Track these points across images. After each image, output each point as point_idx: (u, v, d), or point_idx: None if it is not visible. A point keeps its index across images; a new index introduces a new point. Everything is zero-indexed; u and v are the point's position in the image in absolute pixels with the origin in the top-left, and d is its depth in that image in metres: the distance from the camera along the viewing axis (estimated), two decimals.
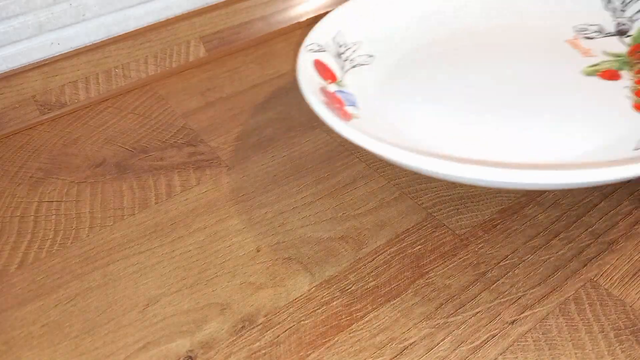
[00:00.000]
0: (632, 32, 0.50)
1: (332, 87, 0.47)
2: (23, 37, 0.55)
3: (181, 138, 0.53)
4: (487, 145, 0.43)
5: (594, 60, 0.50)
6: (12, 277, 0.41)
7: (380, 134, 0.43)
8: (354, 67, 0.51)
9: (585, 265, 0.41)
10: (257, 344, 0.37)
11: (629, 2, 0.51)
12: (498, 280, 0.40)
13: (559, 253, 0.42)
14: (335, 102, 0.45)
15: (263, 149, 0.51)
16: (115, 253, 0.43)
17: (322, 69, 0.48)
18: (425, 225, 0.43)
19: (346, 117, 0.44)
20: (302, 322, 0.38)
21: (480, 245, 0.42)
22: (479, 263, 0.41)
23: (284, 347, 0.37)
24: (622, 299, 0.39)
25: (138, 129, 0.54)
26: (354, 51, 0.52)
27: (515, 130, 0.44)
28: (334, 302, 0.39)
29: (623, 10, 0.51)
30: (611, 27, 0.51)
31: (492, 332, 0.37)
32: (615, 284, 0.40)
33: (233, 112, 0.56)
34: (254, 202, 0.46)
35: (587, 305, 0.39)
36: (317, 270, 0.41)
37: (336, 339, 0.37)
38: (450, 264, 0.41)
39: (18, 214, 0.46)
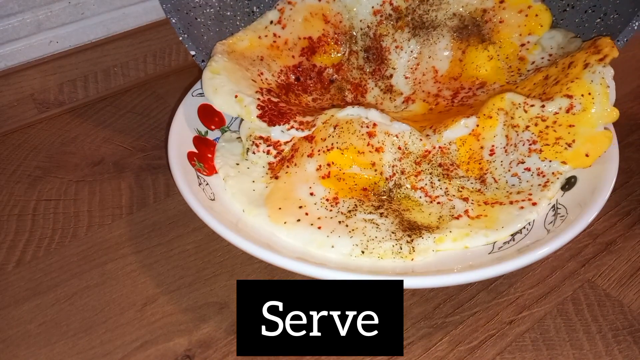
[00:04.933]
0: None
1: (213, 134, 0.47)
2: (22, 35, 0.55)
3: None
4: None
5: None
6: (10, 275, 0.41)
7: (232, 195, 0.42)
8: None
9: (584, 265, 0.41)
10: None
11: None
12: (496, 280, 0.40)
13: (557, 253, 0.42)
14: (208, 151, 0.45)
15: None
16: (113, 252, 0.42)
17: (210, 114, 0.47)
18: None
19: (212, 170, 0.43)
20: None
21: None
22: None
23: None
24: (620, 299, 0.39)
25: (137, 127, 0.54)
26: None
27: None
28: None
29: None
30: None
31: (490, 332, 0.37)
32: (613, 285, 0.40)
33: None
34: None
35: (585, 306, 0.39)
36: None
37: None
38: None
39: (16, 212, 0.45)
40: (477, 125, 0.41)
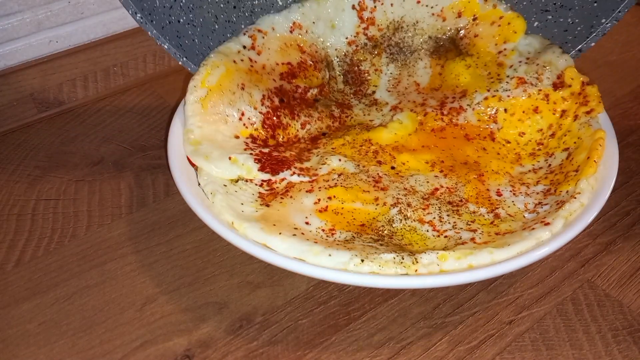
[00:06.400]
0: None
1: None
2: (21, 35, 0.55)
3: None
4: None
5: None
6: (9, 275, 0.41)
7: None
8: None
9: (583, 265, 0.41)
10: (255, 343, 0.37)
11: None
12: (496, 280, 0.40)
13: (557, 254, 0.42)
14: None
15: None
16: (112, 251, 0.42)
17: None
18: None
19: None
20: (300, 322, 0.38)
21: None
22: None
23: (282, 346, 0.37)
24: (619, 299, 0.39)
25: (136, 127, 0.54)
26: None
27: None
28: (332, 302, 0.39)
29: None
30: None
31: (489, 332, 0.37)
32: (612, 285, 0.40)
33: None
34: None
35: (584, 306, 0.39)
36: None
37: (334, 338, 0.37)
38: None
39: (15, 212, 0.45)
40: (482, 175, 0.43)
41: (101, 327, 0.38)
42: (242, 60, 0.47)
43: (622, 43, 0.63)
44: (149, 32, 0.44)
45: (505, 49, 0.49)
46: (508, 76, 0.48)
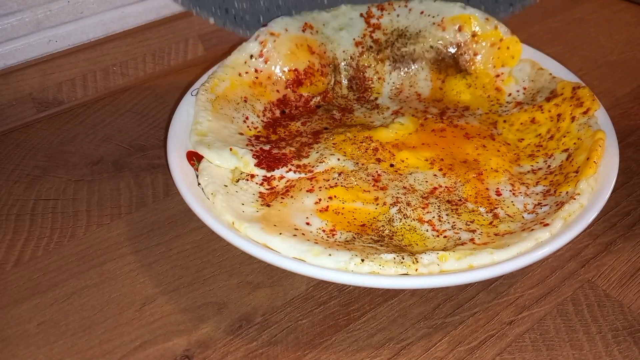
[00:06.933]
0: None
1: None
2: (20, 34, 0.55)
3: None
4: None
5: None
6: (8, 275, 0.41)
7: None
8: None
9: (584, 266, 0.41)
10: (254, 343, 0.37)
11: None
12: (496, 280, 0.40)
13: (557, 254, 0.42)
14: None
15: None
16: (112, 251, 0.42)
17: None
18: None
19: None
20: (300, 322, 0.38)
21: None
22: None
23: (281, 346, 0.36)
24: (620, 300, 0.39)
25: (136, 127, 0.54)
26: None
27: None
28: (332, 302, 0.39)
29: None
30: None
31: (489, 333, 0.37)
32: (613, 285, 0.40)
33: None
34: None
35: (584, 307, 0.39)
36: None
37: (333, 338, 0.37)
38: None
39: (15, 212, 0.45)
40: (482, 174, 0.43)
41: (100, 327, 0.38)
42: (246, 72, 0.48)
43: (622, 43, 0.63)
44: (194, 13, 0.48)
45: (502, 73, 0.50)
46: (508, 102, 0.50)
